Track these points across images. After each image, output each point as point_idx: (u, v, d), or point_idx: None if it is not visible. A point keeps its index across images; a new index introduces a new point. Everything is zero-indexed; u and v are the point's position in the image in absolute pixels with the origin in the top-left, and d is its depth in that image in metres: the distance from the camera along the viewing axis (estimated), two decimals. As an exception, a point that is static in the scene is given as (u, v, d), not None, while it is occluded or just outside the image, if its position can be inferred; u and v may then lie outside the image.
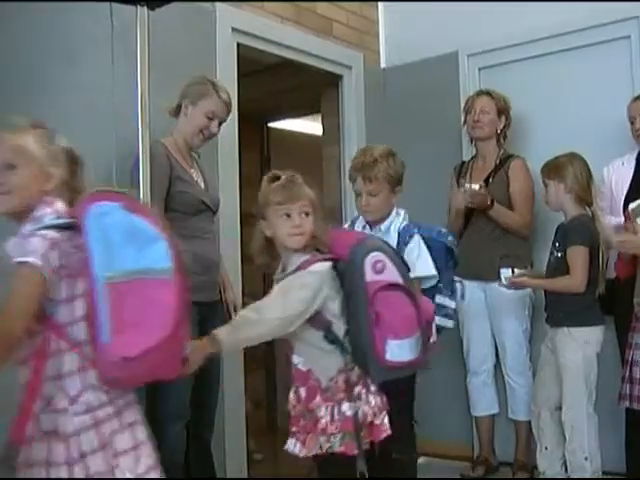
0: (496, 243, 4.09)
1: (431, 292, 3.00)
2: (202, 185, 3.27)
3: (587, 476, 3.42)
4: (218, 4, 3.88)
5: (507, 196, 4.11)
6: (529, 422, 3.89)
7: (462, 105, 4.44)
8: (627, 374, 3.31)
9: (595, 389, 3.48)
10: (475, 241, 4.13)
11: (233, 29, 3.96)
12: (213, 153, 3.72)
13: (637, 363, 3.28)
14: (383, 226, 3.10)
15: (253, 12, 4.13)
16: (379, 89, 5.03)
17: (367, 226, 3.17)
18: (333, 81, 4.86)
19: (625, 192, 3.72)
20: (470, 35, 4.63)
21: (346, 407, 2.29)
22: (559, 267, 3.52)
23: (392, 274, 2.31)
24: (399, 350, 2.25)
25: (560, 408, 3.54)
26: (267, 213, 2.37)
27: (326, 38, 4.65)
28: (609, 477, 3.62)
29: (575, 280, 3.45)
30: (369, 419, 2.33)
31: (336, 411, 2.29)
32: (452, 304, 3.10)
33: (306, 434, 2.32)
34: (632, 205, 3.34)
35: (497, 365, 4.24)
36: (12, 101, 2.97)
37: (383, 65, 5.13)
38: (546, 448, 3.64)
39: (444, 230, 3.24)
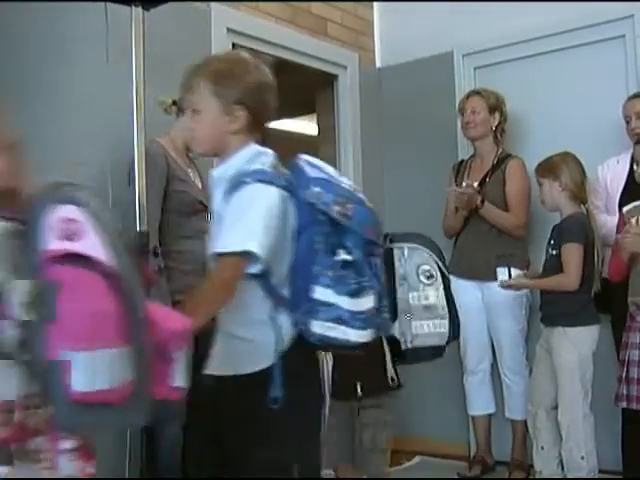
0: (492, 243, 4.09)
1: (304, 282, 1.87)
2: (199, 185, 3.26)
3: (583, 475, 3.43)
4: (213, 4, 3.88)
5: (504, 196, 4.11)
6: (526, 421, 3.89)
7: (457, 105, 4.44)
8: (624, 374, 3.30)
9: (591, 388, 3.49)
10: (471, 241, 4.13)
11: (228, 29, 3.96)
12: (208, 153, 3.71)
13: (634, 363, 3.28)
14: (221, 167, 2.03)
15: (248, 12, 4.13)
16: (374, 89, 5.03)
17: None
18: (328, 81, 4.86)
19: (620, 191, 3.72)
20: (465, 35, 4.63)
21: None
22: (554, 265, 3.53)
23: (90, 244, 1.46)
24: (86, 370, 1.36)
25: (556, 407, 3.54)
26: None
27: (321, 38, 4.65)
28: (605, 476, 3.62)
29: (569, 278, 3.45)
30: None
31: None
32: (343, 302, 1.84)
33: None
34: (626, 208, 3.35)
35: (494, 364, 4.24)
36: (8, 101, 2.96)
37: (378, 65, 5.12)
38: (542, 448, 3.64)
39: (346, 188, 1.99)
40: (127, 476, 3.01)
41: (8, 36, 3.01)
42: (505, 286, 3.80)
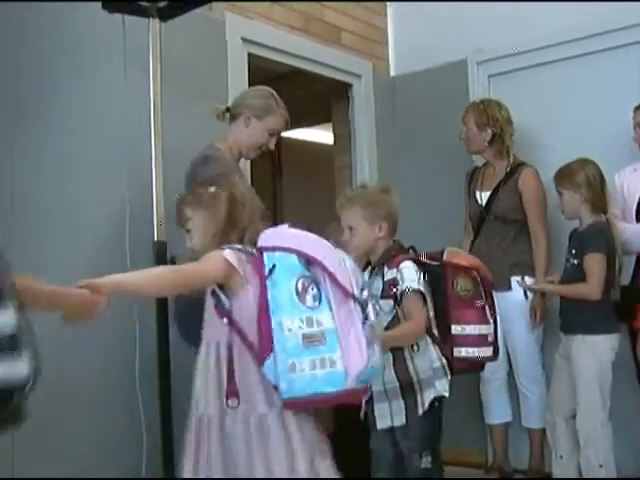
0: (506, 252, 4.08)
1: None
2: None
3: (602, 484, 3.41)
4: (228, 14, 3.90)
5: (516, 205, 4.08)
6: (543, 430, 3.87)
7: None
8: None
9: (610, 396, 3.47)
10: (485, 250, 4.10)
11: (243, 39, 3.99)
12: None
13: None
14: None
15: (262, 22, 4.15)
16: (389, 97, 5.04)
17: None
18: (343, 90, 4.87)
19: (637, 199, 3.71)
20: (479, 42, 4.63)
21: None
22: (575, 274, 3.51)
23: None
24: None
25: (575, 416, 3.52)
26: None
27: (335, 47, 4.67)
28: (624, 484, 3.61)
29: (591, 287, 3.43)
30: None
31: None
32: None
33: None
34: None
35: (510, 373, 4.23)
36: (27, 114, 3.00)
37: (392, 73, 5.13)
38: (561, 457, 3.62)
39: None
40: (144, 476, 3.03)
41: (26, 50, 3.03)
42: (527, 289, 3.86)
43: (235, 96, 3.39)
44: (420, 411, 2.73)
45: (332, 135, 5.22)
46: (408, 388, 2.73)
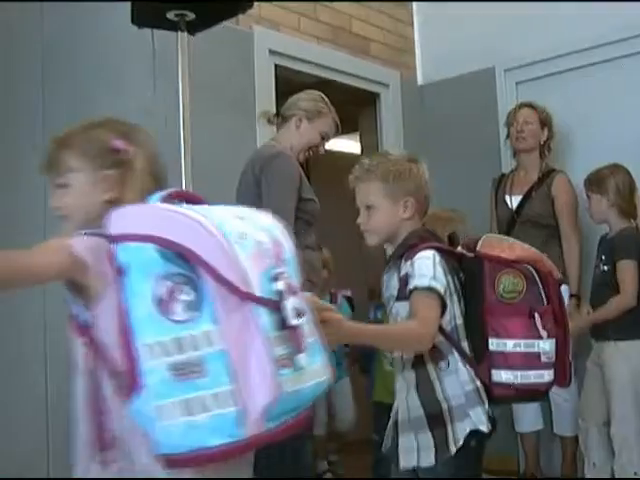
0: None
1: None
2: None
3: (636, 492, 3.38)
4: (255, 26, 3.94)
5: (548, 210, 4.08)
6: (575, 437, 3.85)
7: (500, 120, 4.43)
8: None
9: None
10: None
11: (270, 51, 4.03)
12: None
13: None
14: None
15: (290, 33, 4.19)
16: (416, 106, 5.05)
17: None
18: (371, 99, 4.89)
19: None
20: (506, 50, 4.64)
21: None
22: (606, 281, 3.49)
23: None
24: None
25: (608, 423, 3.49)
26: None
27: (363, 57, 4.69)
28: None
29: (626, 296, 3.41)
30: None
31: None
32: None
33: None
34: None
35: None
36: (57, 129, 3.04)
37: (420, 82, 5.15)
38: (594, 464, 3.59)
39: None
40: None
41: (56, 65, 3.09)
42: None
43: (263, 108, 3.41)
44: (453, 449, 2.04)
45: (359, 145, 5.24)
46: (437, 418, 2.08)
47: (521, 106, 4.28)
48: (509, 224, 4.17)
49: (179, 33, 2.84)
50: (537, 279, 2.13)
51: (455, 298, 2.14)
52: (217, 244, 1.26)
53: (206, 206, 1.39)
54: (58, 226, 1.60)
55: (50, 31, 3.05)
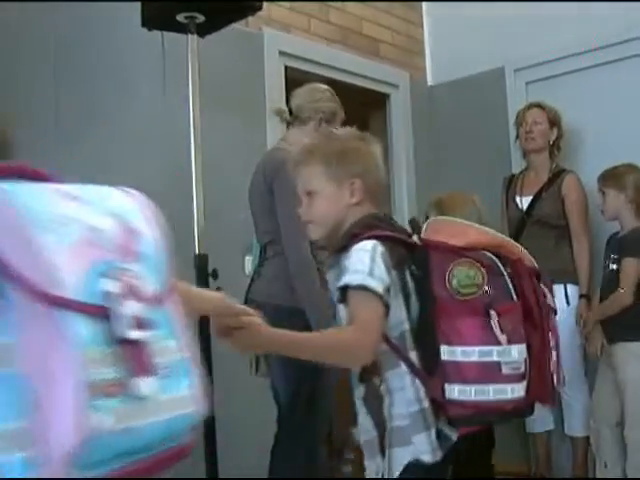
0: (547, 257, 4.05)
1: None
2: None
3: (649, 492, 3.37)
4: (265, 28, 3.95)
5: (559, 210, 4.07)
6: (586, 438, 3.83)
7: (510, 120, 4.42)
8: None
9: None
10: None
11: (280, 52, 4.04)
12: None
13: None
14: None
15: (299, 35, 4.20)
16: (426, 106, 5.05)
17: None
18: (380, 100, 4.90)
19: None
20: (516, 50, 4.63)
21: None
22: (614, 280, 3.49)
23: None
24: None
25: (620, 424, 3.48)
26: None
27: (372, 58, 4.70)
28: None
29: (624, 293, 3.43)
30: None
31: None
32: None
33: None
34: None
35: (552, 380, 4.19)
36: (68, 131, 3.07)
37: (430, 83, 5.15)
38: (606, 465, 3.58)
39: None
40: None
41: (67, 67, 3.11)
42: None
43: (275, 106, 3.39)
44: None
45: (370, 145, 5.23)
46: (382, 440, 1.73)
47: (530, 106, 4.28)
48: (519, 225, 4.16)
49: (189, 35, 2.85)
50: (501, 269, 1.75)
51: (401, 299, 1.75)
52: (11, 229, 0.93)
53: (30, 183, 1.07)
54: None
55: (61, 33, 3.07)
